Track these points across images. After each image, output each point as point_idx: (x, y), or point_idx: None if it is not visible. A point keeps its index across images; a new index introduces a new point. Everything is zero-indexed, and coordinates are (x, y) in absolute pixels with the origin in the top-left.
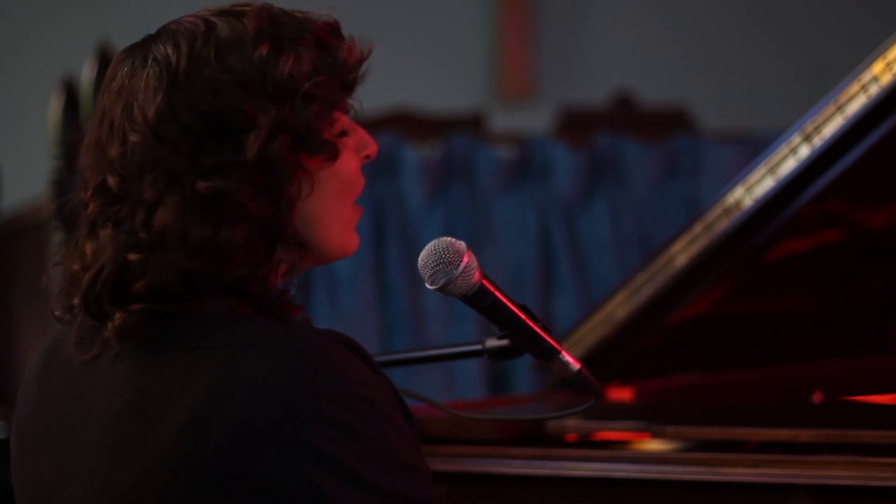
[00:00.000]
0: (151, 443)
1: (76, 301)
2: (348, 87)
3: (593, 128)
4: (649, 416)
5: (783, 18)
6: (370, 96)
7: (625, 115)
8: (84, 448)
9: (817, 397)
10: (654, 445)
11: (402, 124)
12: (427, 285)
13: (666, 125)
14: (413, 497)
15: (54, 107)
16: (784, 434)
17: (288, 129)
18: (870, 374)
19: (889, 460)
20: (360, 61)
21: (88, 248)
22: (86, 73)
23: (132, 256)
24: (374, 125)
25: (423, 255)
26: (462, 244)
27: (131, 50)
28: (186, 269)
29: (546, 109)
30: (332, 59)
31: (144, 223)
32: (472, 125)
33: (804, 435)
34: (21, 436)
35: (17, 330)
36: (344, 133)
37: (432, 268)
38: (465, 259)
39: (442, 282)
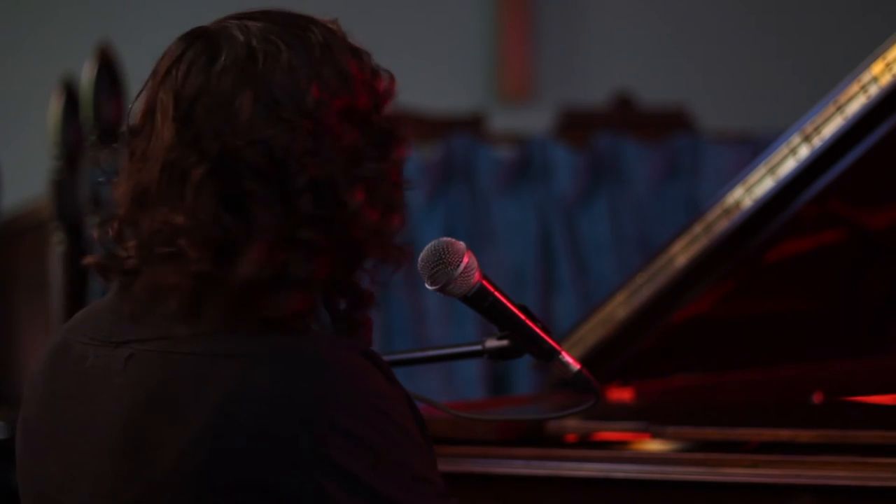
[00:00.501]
0: (163, 449)
1: (198, 268)
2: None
3: (593, 128)
4: (649, 416)
5: (783, 19)
6: None
7: (625, 116)
8: (93, 451)
9: (817, 398)
10: (653, 446)
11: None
12: (427, 285)
13: (666, 125)
14: None
15: (54, 107)
16: (784, 434)
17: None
18: (870, 374)
19: (889, 461)
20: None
21: (203, 210)
22: (86, 73)
23: (304, 233)
24: None
25: (422, 255)
26: (462, 244)
27: (212, 39)
28: (359, 251)
29: (546, 110)
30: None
31: (310, 203)
32: (472, 125)
33: (804, 435)
34: (27, 436)
35: (18, 330)
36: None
37: (432, 268)
38: (465, 259)
39: (442, 282)
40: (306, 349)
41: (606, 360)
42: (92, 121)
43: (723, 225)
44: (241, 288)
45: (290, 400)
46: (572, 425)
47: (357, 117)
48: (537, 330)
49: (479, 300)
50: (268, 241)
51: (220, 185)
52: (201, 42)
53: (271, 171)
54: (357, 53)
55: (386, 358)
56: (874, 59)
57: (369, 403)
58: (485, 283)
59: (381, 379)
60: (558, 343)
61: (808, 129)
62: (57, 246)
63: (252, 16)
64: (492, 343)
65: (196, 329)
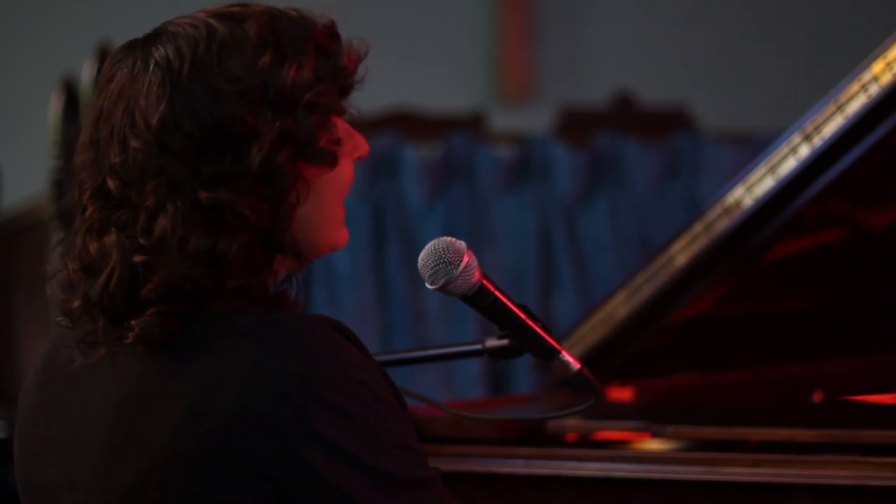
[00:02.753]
0: (150, 438)
1: (76, 304)
2: (346, 91)
3: (593, 127)
4: (649, 415)
5: (783, 18)
6: (370, 96)
7: (625, 115)
8: (86, 449)
9: (817, 397)
10: (653, 445)
11: (402, 124)
12: (427, 285)
13: (666, 125)
14: (410, 477)
15: (54, 106)
16: (784, 434)
17: (290, 141)
18: (870, 373)
19: (889, 460)
20: (358, 64)
21: (93, 248)
22: (86, 73)
23: (137, 258)
24: (375, 125)
25: (423, 254)
26: (462, 244)
27: (130, 49)
28: (188, 275)
29: (546, 109)
30: (332, 66)
31: (144, 229)
32: (472, 125)
33: (804, 434)
34: (25, 442)
35: (18, 330)
36: (339, 140)
37: (432, 267)
38: (465, 259)
39: (442, 281)
40: (279, 326)
41: (607, 359)
42: None
43: (723, 224)
44: (103, 310)
45: (269, 377)
46: (572, 425)
47: (221, 136)
48: (537, 329)
49: (479, 299)
50: (108, 266)
51: (93, 212)
52: (116, 58)
53: (123, 196)
54: (279, 48)
55: (386, 357)
56: (874, 59)
57: (347, 374)
58: (485, 282)
59: (355, 350)
60: (558, 342)
61: (809, 128)
62: (57, 246)
63: (196, 16)
64: (492, 342)
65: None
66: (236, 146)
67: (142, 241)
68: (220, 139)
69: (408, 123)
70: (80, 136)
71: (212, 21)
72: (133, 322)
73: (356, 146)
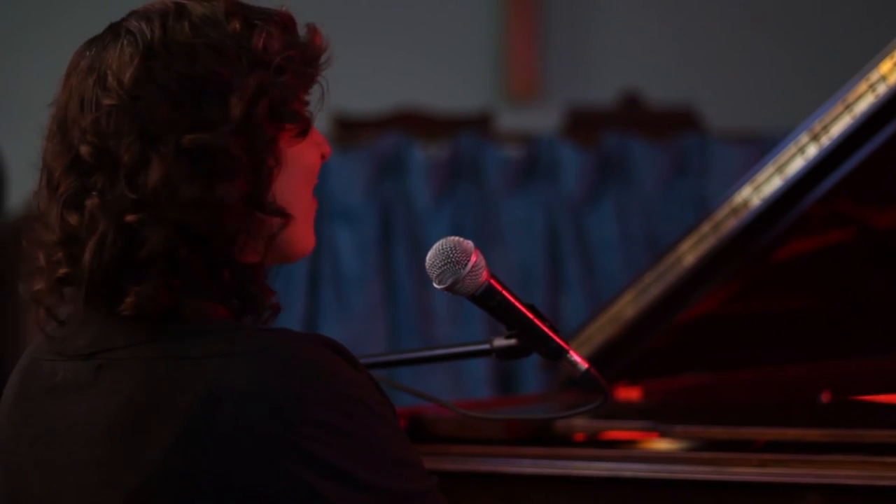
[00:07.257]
0: (143, 456)
1: (61, 272)
2: (312, 71)
3: (601, 127)
4: (657, 415)
5: (790, 18)
6: (378, 95)
7: (632, 115)
8: (73, 465)
9: (825, 397)
10: (661, 445)
11: (409, 123)
12: (434, 285)
13: (673, 125)
14: (409, 492)
15: None
16: (792, 434)
17: (267, 95)
18: (878, 373)
19: None
20: (323, 45)
21: (73, 219)
22: None
23: (129, 218)
24: (382, 124)
25: (430, 254)
26: (469, 243)
27: (96, 38)
28: (185, 225)
29: (553, 109)
30: (297, 40)
31: (130, 184)
32: (479, 125)
33: (812, 434)
34: (6, 459)
35: (24, 330)
36: (310, 110)
37: (440, 267)
38: (473, 258)
39: (449, 281)
40: (275, 346)
41: (614, 359)
42: None
43: (731, 224)
44: (90, 279)
45: (265, 398)
46: (580, 424)
47: (197, 88)
48: (545, 329)
49: (486, 299)
50: (97, 232)
51: (68, 185)
52: (81, 50)
53: (97, 159)
54: (247, 19)
55: (393, 357)
56: (882, 58)
57: (342, 393)
58: (493, 282)
59: (350, 369)
60: (566, 342)
61: (817, 127)
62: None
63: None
64: (500, 342)
65: (161, 333)
66: (213, 98)
67: (130, 195)
68: (197, 92)
69: (415, 123)
70: (47, 128)
71: (179, 1)
72: (131, 288)
73: (320, 140)
